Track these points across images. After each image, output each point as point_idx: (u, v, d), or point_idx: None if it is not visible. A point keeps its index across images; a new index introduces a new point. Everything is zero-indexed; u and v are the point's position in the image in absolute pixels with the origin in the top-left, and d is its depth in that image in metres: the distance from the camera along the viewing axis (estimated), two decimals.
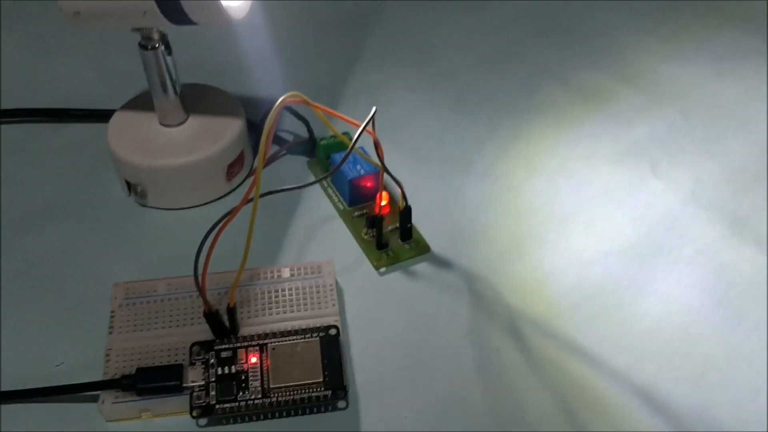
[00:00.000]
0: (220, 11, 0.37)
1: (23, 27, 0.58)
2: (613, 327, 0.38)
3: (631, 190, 0.44)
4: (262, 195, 0.32)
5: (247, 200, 0.32)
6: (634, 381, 0.35)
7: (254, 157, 0.47)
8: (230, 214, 0.32)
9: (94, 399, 0.34)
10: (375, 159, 0.38)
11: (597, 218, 0.43)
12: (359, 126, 0.34)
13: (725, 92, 0.51)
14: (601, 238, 0.42)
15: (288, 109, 0.47)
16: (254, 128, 0.47)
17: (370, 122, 0.34)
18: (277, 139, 0.48)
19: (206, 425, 0.34)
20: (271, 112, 0.31)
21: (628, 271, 0.40)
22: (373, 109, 0.34)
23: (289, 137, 0.48)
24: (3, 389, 0.35)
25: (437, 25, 0.57)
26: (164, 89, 0.42)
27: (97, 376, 0.35)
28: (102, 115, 0.49)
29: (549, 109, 0.50)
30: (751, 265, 0.40)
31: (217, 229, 0.32)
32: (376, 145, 0.37)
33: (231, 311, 0.35)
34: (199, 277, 0.33)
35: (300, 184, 0.38)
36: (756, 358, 0.36)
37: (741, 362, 0.36)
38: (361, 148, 0.43)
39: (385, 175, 0.38)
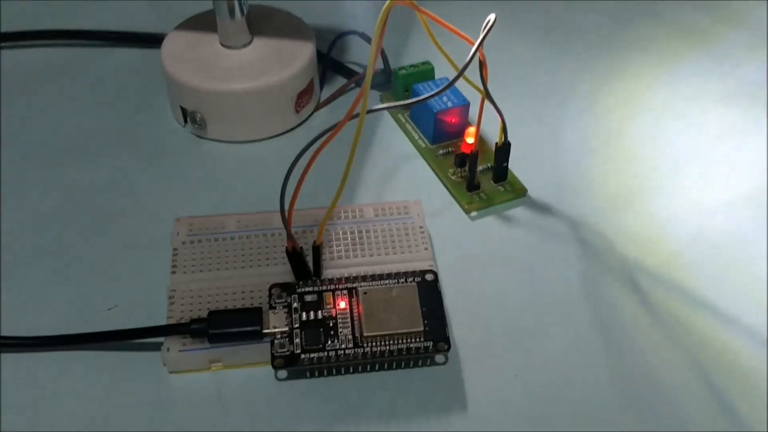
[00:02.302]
0: None
1: None
2: (743, 281, 0.33)
3: (747, 136, 0.39)
4: (368, 111, 0.27)
5: (352, 115, 0.27)
6: None
7: (322, 89, 0.42)
8: (334, 129, 0.27)
9: (157, 347, 0.30)
10: (478, 84, 0.33)
11: (713, 164, 0.38)
12: (472, 42, 0.30)
13: None
14: (721, 185, 0.37)
15: (361, 35, 0.42)
16: (321, 59, 0.42)
17: (486, 35, 0.29)
18: (346, 71, 0.43)
19: (286, 377, 0.29)
20: (382, 13, 0.26)
21: (751, 221, 0.35)
22: (492, 16, 0.29)
23: (359, 70, 0.43)
24: (55, 333, 0.30)
25: None
26: (230, 9, 0.37)
27: (157, 322, 0.30)
28: (152, 40, 0.44)
29: (645, 46, 0.45)
30: None
31: (316, 148, 0.27)
32: (482, 65, 0.32)
33: (317, 250, 0.31)
34: (286, 208, 0.29)
35: (403, 102, 0.32)
36: None
37: None
38: (442, 79, 0.38)
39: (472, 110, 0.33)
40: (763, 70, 0.43)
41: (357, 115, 0.27)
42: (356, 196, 0.37)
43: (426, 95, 0.31)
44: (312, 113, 0.41)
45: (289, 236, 0.29)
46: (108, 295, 0.32)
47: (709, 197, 0.36)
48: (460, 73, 0.29)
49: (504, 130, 0.35)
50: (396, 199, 0.36)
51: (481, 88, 0.32)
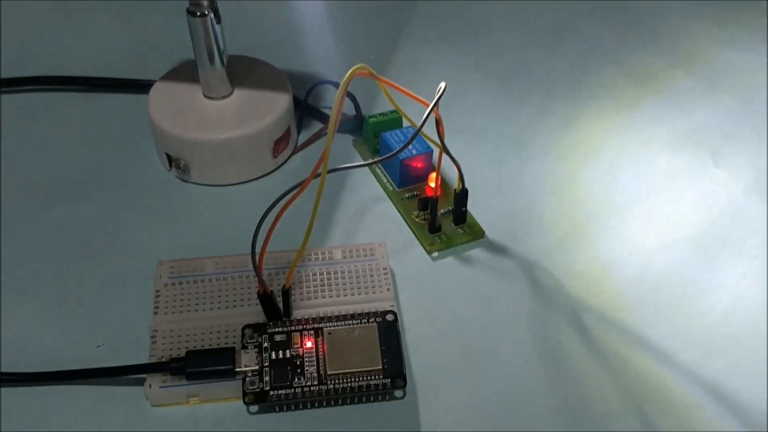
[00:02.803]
0: None
1: None
2: (679, 321, 0.36)
3: (692, 179, 0.43)
4: (329, 171, 0.31)
5: (315, 174, 0.30)
6: (703, 377, 0.34)
7: (299, 134, 0.45)
8: (299, 187, 0.30)
9: (140, 382, 0.33)
10: (435, 138, 0.36)
11: (659, 207, 0.41)
12: (426, 104, 0.33)
13: None
14: (664, 227, 0.40)
15: (333, 84, 0.45)
16: (298, 104, 0.45)
17: (438, 100, 0.33)
18: (321, 116, 0.46)
19: (257, 412, 0.32)
20: (342, 84, 0.29)
21: (692, 262, 0.38)
22: (442, 85, 0.32)
23: None
24: (43, 370, 0.33)
25: (486, 2, 0.55)
26: (211, 59, 0.40)
27: (140, 358, 0.33)
28: (138, 86, 0.47)
29: (603, 92, 0.48)
30: None
31: (283, 204, 0.30)
32: (438, 123, 0.35)
33: (286, 293, 0.34)
34: (257, 256, 0.32)
35: (367, 162, 0.35)
36: None
37: None
38: (408, 128, 0.41)
39: (436, 156, 0.37)
40: (711, 114, 0.46)
41: (320, 175, 0.30)
42: (328, 237, 0.40)
43: (386, 156, 0.34)
44: (289, 157, 0.44)
45: (260, 281, 0.32)
46: (95, 331, 0.35)
47: (652, 239, 0.39)
48: (414, 136, 0.32)
49: (461, 178, 0.38)
50: (365, 239, 0.39)
51: (439, 142, 0.36)
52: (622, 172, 0.43)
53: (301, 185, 0.31)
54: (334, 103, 0.30)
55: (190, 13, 0.39)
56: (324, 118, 0.46)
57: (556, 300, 0.37)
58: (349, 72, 0.30)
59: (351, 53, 0.51)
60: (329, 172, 0.30)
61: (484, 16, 0.54)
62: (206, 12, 0.39)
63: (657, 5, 0.54)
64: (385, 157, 0.34)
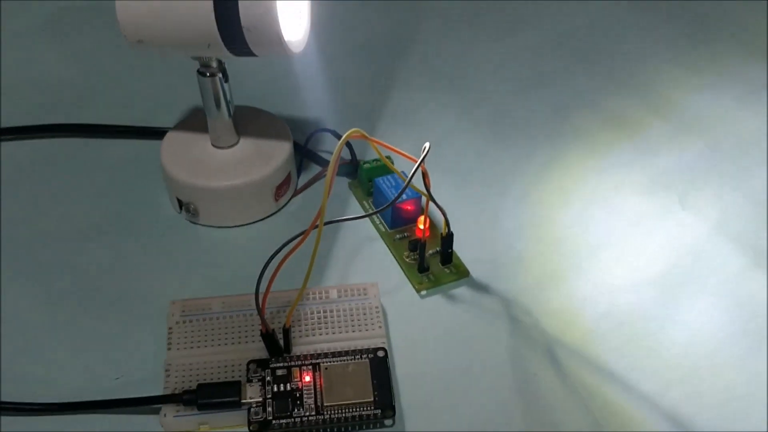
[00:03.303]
0: (282, 46, 0.39)
1: (73, 43, 0.60)
2: (642, 354, 0.40)
3: (660, 221, 0.46)
4: (326, 223, 0.34)
5: (313, 226, 0.34)
6: (663, 406, 0.38)
7: (299, 177, 0.49)
8: (299, 239, 0.34)
9: (155, 411, 0.36)
10: (421, 187, 0.40)
11: (627, 248, 0.45)
12: (414, 161, 0.37)
13: (750, 124, 0.53)
14: (632, 267, 0.44)
15: (331, 132, 0.49)
16: (299, 149, 0.49)
17: (424, 158, 0.36)
18: (320, 160, 0.50)
19: None
20: (336, 148, 0.33)
21: (656, 300, 0.42)
22: (426, 145, 0.36)
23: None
24: (65, 401, 0.37)
25: (470, 51, 0.59)
26: (219, 113, 0.44)
27: (155, 390, 0.37)
28: (150, 132, 0.51)
29: (579, 137, 0.52)
30: None
31: (285, 254, 0.34)
32: (425, 176, 0.39)
33: (286, 331, 0.37)
34: (260, 298, 0.35)
35: (356, 216, 0.40)
36: None
37: (761, 389, 0.38)
38: (404, 172, 0.45)
39: (425, 200, 0.41)
40: (681, 158, 0.50)
41: (317, 226, 0.34)
42: (324, 276, 0.43)
43: (379, 209, 0.38)
44: (290, 199, 0.48)
45: (263, 321, 0.36)
46: (114, 365, 0.39)
47: (620, 278, 0.43)
48: (403, 190, 0.36)
49: (447, 223, 0.42)
50: (359, 278, 0.43)
51: (426, 193, 0.39)
52: (595, 216, 0.47)
53: (302, 235, 0.34)
54: (329, 167, 0.34)
55: (200, 73, 0.42)
56: (322, 162, 0.50)
57: (533, 336, 0.41)
58: (343, 137, 0.34)
59: (346, 100, 0.55)
60: (326, 223, 0.34)
61: (471, 65, 0.58)
62: (215, 73, 0.42)
63: (635, 53, 0.58)
64: (379, 210, 0.38)
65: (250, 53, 0.39)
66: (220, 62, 0.43)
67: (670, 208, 0.47)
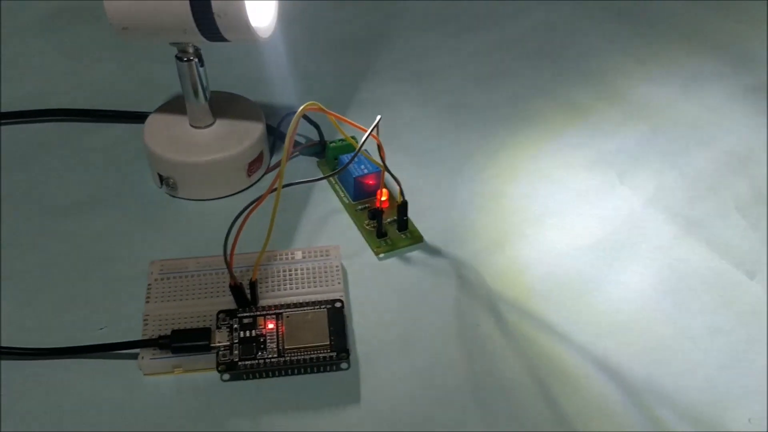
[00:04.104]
0: (250, 31, 0.43)
1: (68, 38, 0.65)
2: (578, 309, 0.44)
3: (600, 194, 0.51)
4: (284, 186, 0.39)
5: (272, 189, 0.38)
6: (595, 354, 0.42)
7: (272, 157, 0.53)
8: (258, 200, 0.38)
9: (134, 356, 0.40)
10: (378, 160, 0.44)
11: (569, 218, 0.49)
12: (366, 131, 0.41)
13: (691, 111, 0.57)
14: (572, 235, 0.48)
15: (303, 116, 0.53)
16: (272, 132, 0.53)
17: (375, 128, 0.41)
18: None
19: (229, 379, 0.40)
20: (294, 118, 0.38)
21: (594, 263, 0.46)
22: (378, 117, 0.41)
23: (302, 140, 0.54)
24: (57, 346, 0.41)
25: (437, 47, 0.63)
26: (196, 96, 0.49)
27: (135, 337, 0.41)
28: (135, 116, 0.55)
29: (534, 121, 0.56)
30: (700, 262, 0.46)
31: (246, 213, 0.38)
32: (380, 148, 0.43)
33: (253, 285, 0.41)
34: (228, 255, 0.39)
35: (313, 178, 0.44)
36: (699, 339, 0.42)
37: (685, 341, 0.42)
38: (367, 150, 0.49)
39: (386, 174, 0.45)
40: (624, 141, 0.55)
41: (276, 189, 0.38)
42: (293, 241, 0.48)
43: (329, 174, 0.42)
44: (262, 176, 0.52)
45: (231, 275, 0.40)
46: (99, 318, 0.43)
47: (561, 244, 0.47)
48: (354, 156, 0.41)
49: (401, 192, 0.46)
50: (324, 243, 0.47)
51: (382, 164, 0.44)
52: (543, 190, 0.51)
53: (258, 199, 0.39)
54: (287, 133, 0.38)
55: (178, 58, 0.47)
56: (294, 144, 0.54)
57: (479, 293, 0.45)
58: (301, 108, 0.38)
59: (319, 90, 0.59)
60: (285, 186, 0.39)
61: (436, 61, 0.62)
62: (192, 58, 0.47)
63: (588, 48, 0.63)
64: (333, 173, 0.43)
65: (222, 38, 0.44)
66: (196, 48, 0.47)
67: (610, 184, 0.51)
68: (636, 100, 0.58)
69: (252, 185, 0.51)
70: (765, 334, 0.42)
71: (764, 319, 0.43)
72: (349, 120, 0.41)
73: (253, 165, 0.50)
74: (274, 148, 0.54)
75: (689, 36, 0.64)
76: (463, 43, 0.64)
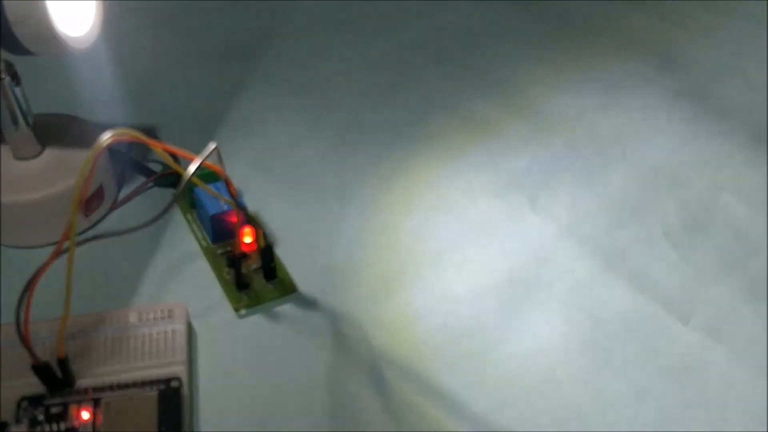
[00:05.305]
0: (60, 41, 0.34)
1: None
2: (477, 370, 0.36)
3: (507, 224, 0.43)
4: (81, 242, 0.30)
5: (59, 252, 0.30)
6: (494, 427, 0.34)
7: (119, 191, 0.44)
8: (42, 267, 0.30)
9: None
10: (227, 196, 0.36)
11: (471, 254, 0.42)
12: (192, 158, 0.33)
13: (609, 123, 0.50)
14: (474, 275, 0.41)
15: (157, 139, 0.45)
16: (119, 158, 0.45)
17: (213, 158, 0.32)
18: (145, 170, 0.45)
19: None
20: (90, 154, 0.29)
21: (497, 310, 0.39)
22: (212, 145, 0.32)
23: (158, 167, 0.46)
24: None
25: (326, 55, 0.55)
26: (14, 122, 0.40)
27: None
28: None
29: (434, 140, 0.49)
30: (622, 303, 0.39)
31: (32, 280, 0.30)
32: (227, 182, 0.35)
33: (63, 362, 0.33)
34: (21, 325, 0.31)
35: (125, 229, 0.36)
36: (619, 404, 0.35)
37: (605, 407, 0.35)
38: (219, 184, 0.41)
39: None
40: (536, 158, 0.47)
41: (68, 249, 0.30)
42: (134, 298, 0.39)
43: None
44: (106, 215, 0.43)
45: (30, 353, 0.32)
46: None
47: (462, 286, 0.40)
48: (180, 190, 0.32)
49: (264, 235, 0.38)
50: (173, 299, 0.39)
51: (231, 200, 0.35)
52: (441, 221, 0.43)
53: (42, 267, 0.30)
54: (79, 172, 0.29)
55: None
56: (147, 172, 0.45)
57: (360, 352, 0.37)
58: (105, 137, 0.29)
59: (183, 107, 0.51)
60: (81, 243, 0.30)
61: (325, 70, 0.54)
62: (2, 76, 0.38)
63: (499, 53, 0.55)
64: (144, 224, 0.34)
65: (27, 51, 0.35)
66: (7, 63, 0.38)
67: (519, 211, 0.44)
68: (548, 112, 0.51)
69: (92, 226, 0.42)
70: (703, 395, 0.35)
71: (702, 375, 0.36)
72: (178, 149, 0.33)
73: (92, 202, 0.42)
74: (123, 178, 0.45)
75: (608, 36, 0.57)
76: (357, 50, 0.56)
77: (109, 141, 0.29)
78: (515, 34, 0.57)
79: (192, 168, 0.32)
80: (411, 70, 0.54)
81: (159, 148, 0.32)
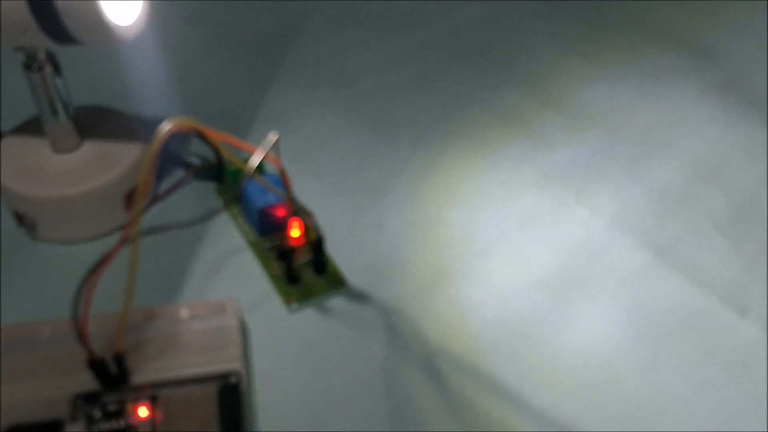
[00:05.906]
0: (108, 30, 0.34)
1: None
2: (534, 364, 0.36)
3: (553, 217, 0.43)
4: (149, 233, 0.29)
5: (124, 242, 0.29)
6: (558, 421, 0.34)
7: (160, 183, 0.44)
8: (106, 258, 0.29)
9: None
10: (280, 189, 0.35)
11: (518, 248, 0.41)
12: (253, 150, 0.32)
13: (648, 113, 0.49)
14: (523, 269, 0.40)
15: (193, 132, 0.44)
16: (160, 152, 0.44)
17: (273, 149, 0.32)
18: (184, 164, 0.45)
19: None
20: (154, 142, 0.28)
21: (550, 303, 0.38)
22: (272, 135, 0.32)
23: (197, 161, 0.45)
24: None
25: (356, 49, 0.54)
26: (54, 113, 0.39)
27: None
28: None
29: (469, 133, 0.48)
30: (676, 297, 0.39)
31: (93, 273, 0.29)
32: (282, 174, 0.34)
33: (119, 358, 0.32)
34: (79, 321, 0.30)
35: (184, 223, 0.35)
36: (680, 400, 0.34)
37: (665, 403, 0.34)
38: (270, 176, 0.40)
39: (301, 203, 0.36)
40: (577, 151, 0.47)
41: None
42: (182, 293, 0.38)
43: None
44: (147, 208, 0.42)
45: (87, 349, 0.31)
46: None
47: (511, 280, 0.39)
48: (244, 179, 0.31)
49: (314, 227, 0.37)
50: (221, 294, 0.38)
51: (286, 193, 0.35)
52: (484, 215, 0.43)
53: (107, 257, 0.29)
54: (142, 164, 0.29)
55: (26, 67, 0.37)
56: (186, 166, 0.44)
57: (413, 348, 0.36)
58: (166, 127, 0.29)
59: (218, 100, 0.50)
60: (148, 233, 0.29)
61: (357, 64, 0.53)
62: (42, 66, 0.37)
63: (529, 46, 0.55)
64: (201, 218, 0.33)
65: (73, 40, 0.34)
66: (48, 54, 0.37)
67: (565, 204, 0.43)
68: (583, 103, 0.50)
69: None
70: (766, 388, 0.35)
71: (764, 369, 0.35)
72: (237, 140, 0.32)
73: (133, 195, 0.41)
74: (163, 172, 0.44)
75: (638, 28, 0.57)
76: (385, 44, 0.55)
77: (171, 131, 0.29)
78: (545, 27, 0.57)
79: (256, 160, 0.31)
80: (441, 64, 0.54)
81: (218, 139, 0.32)
